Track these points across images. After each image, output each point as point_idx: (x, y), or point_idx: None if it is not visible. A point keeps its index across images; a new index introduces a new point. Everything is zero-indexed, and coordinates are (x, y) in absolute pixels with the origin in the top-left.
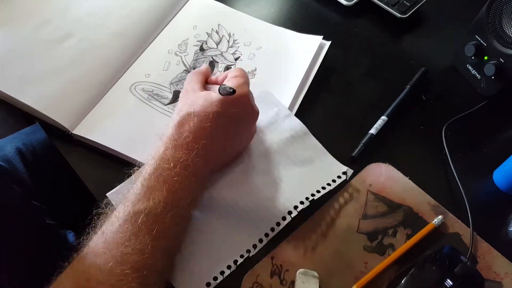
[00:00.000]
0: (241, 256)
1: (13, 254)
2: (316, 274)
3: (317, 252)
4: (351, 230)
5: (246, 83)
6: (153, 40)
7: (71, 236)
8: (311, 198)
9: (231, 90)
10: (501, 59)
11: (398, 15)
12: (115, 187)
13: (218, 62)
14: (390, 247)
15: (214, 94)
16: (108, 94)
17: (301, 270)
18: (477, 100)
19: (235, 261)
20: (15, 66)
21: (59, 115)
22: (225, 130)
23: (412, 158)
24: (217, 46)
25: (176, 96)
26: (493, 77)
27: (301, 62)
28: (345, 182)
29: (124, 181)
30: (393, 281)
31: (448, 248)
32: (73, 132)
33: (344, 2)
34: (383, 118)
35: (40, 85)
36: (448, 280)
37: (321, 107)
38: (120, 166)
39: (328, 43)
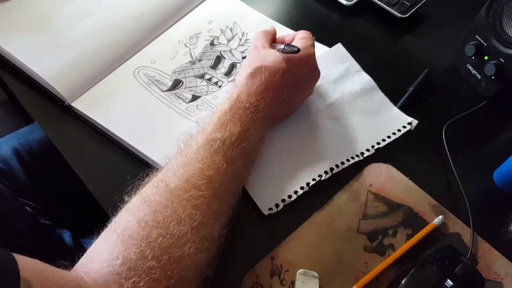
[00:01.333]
0: (313, 179)
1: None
2: (316, 274)
3: (317, 252)
4: (351, 230)
5: (313, 45)
6: (167, 29)
7: (67, 236)
8: (376, 146)
9: (295, 49)
10: (501, 59)
11: (398, 15)
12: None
13: (225, 58)
14: (390, 247)
15: (277, 53)
16: (112, 74)
17: (301, 270)
18: (477, 100)
19: (308, 183)
20: (33, 38)
21: (61, 86)
22: (291, 85)
23: (412, 158)
24: (228, 43)
25: (175, 84)
26: (493, 77)
27: None
28: (410, 131)
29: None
30: (393, 281)
31: (448, 248)
32: (71, 104)
33: (344, 2)
34: None
35: (51, 56)
36: (448, 280)
37: None
38: (120, 165)
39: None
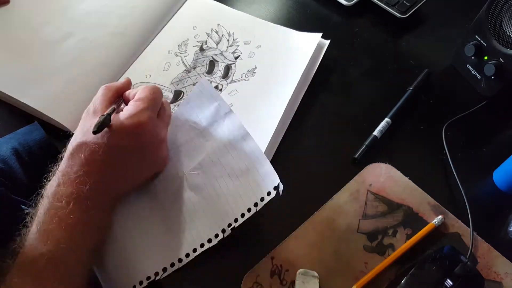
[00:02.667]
0: (156, 273)
1: None
2: (316, 274)
3: (317, 252)
4: (351, 230)
5: (147, 108)
6: (153, 40)
7: None
8: (233, 225)
9: (94, 130)
10: (501, 59)
11: (398, 15)
12: None
13: (218, 62)
14: (390, 247)
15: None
16: None
17: (301, 270)
18: (477, 100)
19: (156, 273)
20: (16, 67)
21: (60, 115)
22: (122, 161)
23: (412, 158)
24: (216, 45)
25: (177, 96)
26: (493, 77)
27: (300, 60)
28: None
29: None
30: (393, 281)
31: (448, 248)
32: (74, 132)
33: (344, 2)
34: (387, 120)
35: (40, 85)
36: (448, 280)
37: (321, 107)
38: None
39: (327, 42)
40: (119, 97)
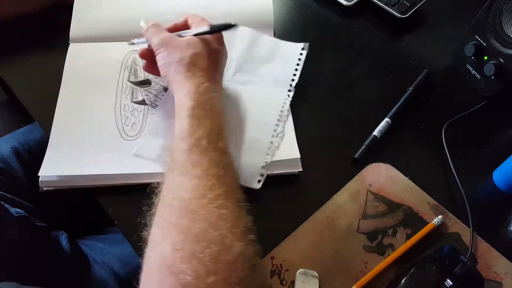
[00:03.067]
0: (271, 142)
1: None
2: (316, 274)
3: (317, 252)
4: (351, 230)
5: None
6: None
7: (63, 238)
8: (293, 83)
9: (233, 24)
10: (500, 59)
11: (398, 15)
12: (115, 186)
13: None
14: (390, 247)
15: (201, 38)
16: (115, 43)
17: (301, 270)
18: (477, 100)
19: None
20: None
21: (78, 27)
22: (218, 64)
23: (412, 158)
24: None
25: (143, 83)
26: (492, 77)
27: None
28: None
29: None
30: (393, 281)
31: (448, 248)
32: (70, 43)
33: (344, 2)
34: (387, 120)
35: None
36: (448, 280)
37: (321, 107)
38: None
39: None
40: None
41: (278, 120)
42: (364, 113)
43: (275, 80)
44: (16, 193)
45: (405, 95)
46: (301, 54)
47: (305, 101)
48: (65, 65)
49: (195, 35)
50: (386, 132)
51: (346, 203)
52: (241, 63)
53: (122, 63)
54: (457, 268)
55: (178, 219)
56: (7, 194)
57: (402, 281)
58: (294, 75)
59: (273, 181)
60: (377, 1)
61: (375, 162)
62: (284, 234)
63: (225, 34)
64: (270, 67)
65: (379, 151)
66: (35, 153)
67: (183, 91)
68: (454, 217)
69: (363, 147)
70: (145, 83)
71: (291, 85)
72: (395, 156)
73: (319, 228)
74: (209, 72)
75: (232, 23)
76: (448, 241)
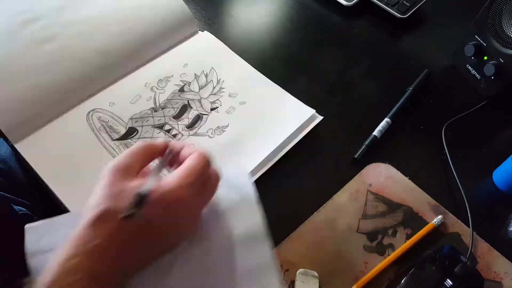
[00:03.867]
0: None
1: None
2: (316, 274)
3: (317, 252)
4: (351, 230)
5: (193, 184)
6: (136, 69)
7: None
8: None
9: (139, 199)
10: (500, 59)
11: (398, 15)
12: None
13: (191, 108)
14: (390, 247)
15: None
16: (66, 114)
17: (301, 270)
18: (477, 100)
19: None
20: None
21: (5, 123)
22: (151, 239)
23: (412, 158)
24: (199, 90)
25: (129, 133)
26: (492, 77)
27: (283, 129)
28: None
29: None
30: (393, 281)
31: (448, 248)
32: (15, 145)
33: (344, 2)
34: (387, 120)
35: (4, 82)
36: (448, 280)
37: (321, 107)
38: None
39: (320, 117)
40: (152, 159)
41: None
42: (364, 113)
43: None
44: (16, 195)
45: (405, 95)
46: None
47: (305, 101)
48: (30, 163)
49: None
50: (386, 132)
51: (346, 203)
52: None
53: (92, 129)
54: (457, 268)
55: None
56: (7, 195)
57: (402, 281)
58: None
59: (273, 181)
60: (377, 1)
61: (375, 162)
62: (284, 234)
63: None
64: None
65: (379, 151)
66: None
67: (55, 257)
68: (454, 217)
69: (363, 147)
70: (131, 132)
71: None
72: (395, 156)
73: (319, 228)
74: (114, 246)
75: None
76: (448, 241)
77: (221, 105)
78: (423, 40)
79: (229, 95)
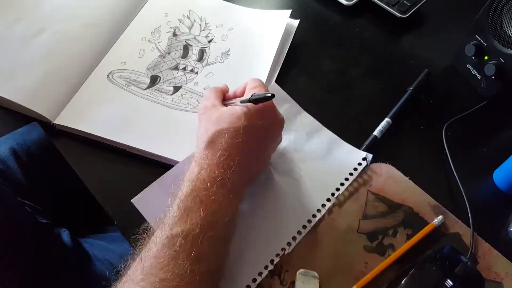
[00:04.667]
0: (277, 255)
1: (3, 253)
2: (316, 274)
3: (317, 252)
4: (351, 230)
5: (275, 109)
6: (126, 29)
7: (65, 234)
8: (336, 193)
9: (269, 95)
10: (501, 59)
11: (398, 15)
12: (115, 186)
13: (192, 46)
14: (390, 247)
15: (238, 108)
16: (86, 84)
17: (301, 270)
18: (477, 100)
19: (271, 261)
20: None
21: (39, 106)
22: (257, 142)
23: (412, 158)
24: (189, 30)
25: (154, 80)
26: (493, 77)
27: (272, 38)
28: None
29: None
30: (393, 281)
31: (448, 248)
32: (54, 122)
33: (344, 2)
34: (387, 120)
35: (16, 78)
36: (448, 280)
37: (321, 107)
38: (119, 164)
39: (297, 21)
40: (223, 96)
41: (303, 226)
42: (364, 113)
43: (319, 181)
44: (15, 194)
45: (406, 95)
46: (359, 164)
47: (305, 101)
48: (78, 128)
49: (249, 100)
50: (386, 132)
51: (346, 203)
52: (289, 151)
53: (120, 87)
54: (457, 269)
55: None
56: (32, 206)
57: (403, 281)
58: (342, 184)
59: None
60: (377, 1)
61: (375, 162)
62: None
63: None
64: (320, 165)
65: (379, 151)
66: (33, 153)
67: (189, 172)
68: (455, 217)
69: (363, 147)
70: (155, 79)
71: (333, 194)
72: (395, 156)
73: (319, 228)
74: (228, 153)
75: (269, 94)
76: (448, 241)
77: (214, 36)
78: (423, 40)
79: (216, 26)
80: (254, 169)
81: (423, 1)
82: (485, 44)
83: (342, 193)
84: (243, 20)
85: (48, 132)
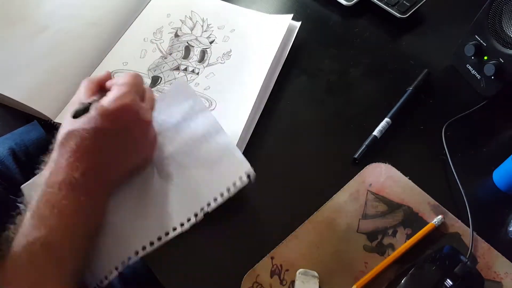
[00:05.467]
0: (128, 258)
1: None
2: (316, 274)
3: (317, 252)
4: (351, 230)
5: (130, 92)
6: (127, 29)
7: None
8: (206, 208)
9: (81, 108)
10: (501, 59)
11: (398, 15)
12: None
13: (193, 47)
14: (390, 247)
15: (93, 108)
16: None
17: (301, 270)
18: (477, 100)
19: (122, 262)
20: None
21: (40, 104)
22: (111, 146)
23: (412, 158)
24: (191, 31)
25: (155, 81)
26: (493, 77)
27: (273, 41)
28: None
29: None
30: (393, 281)
31: (448, 248)
32: (55, 120)
33: (344, 2)
34: (387, 120)
35: (18, 77)
36: (448, 280)
37: (321, 107)
38: None
39: (298, 23)
40: (101, 89)
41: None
42: (364, 113)
43: (193, 192)
44: (12, 195)
45: (405, 95)
46: (240, 178)
47: (305, 101)
48: None
49: (73, 115)
50: (386, 132)
51: (346, 203)
52: (178, 154)
53: None
54: (457, 268)
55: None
56: None
57: (402, 281)
58: (215, 199)
59: (273, 181)
60: (377, 1)
61: (375, 162)
62: (284, 234)
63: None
64: (202, 174)
65: (379, 151)
66: (32, 153)
67: (41, 174)
68: (454, 217)
69: (363, 147)
70: (156, 80)
71: (202, 208)
72: (395, 156)
73: (319, 228)
74: (79, 155)
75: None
76: (448, 241)
77: (216, 38)
78: (423, 40)
79: (218, 28)
80: (116, 173)
81: (423, 1)
82: (485, 44)
83: (342, 193)
84: (245, 22)
85: (49, 130)
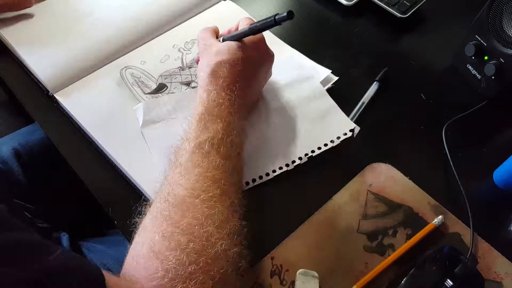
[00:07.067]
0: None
1: None
2: (316, 274)
3: (317, 252)
4: (351, 230)
5: (264, 41)
6: (165, 32)
7: (65, 239)
8: (310, 154)
9: (289, 15)
10: (501, 59)
11: (398, 15)
12: (115, 186)
13: None
14: (390, 247)
15: (234, 42)
16: (100, 70)
17: (301, 270)
18: (477, 100)
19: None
20: (34, 26)
21: (46, 76)
22: (252, 71)
23: (412, 158)
24: None
25: (159, 88)
26: (493, 77)
27: (303, 86)
28: (352, 137)
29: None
30: (393, 281)
31: (448, 248)
32: (54, 94)
33: (344, 2)
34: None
35: (43, 46)
36: (448, 280)
37: None
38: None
39: (335, 78)
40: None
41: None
42: (364, 113)
43: (302, 134)
44: (15, 196)
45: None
46: (344, 134)
47: None
48: (72, 114)
49: (236, 39)
50: (387, 131)
51: (346, 203)
52: (287, 104)
53: (126, 83)
54: (457, 268)
55: (170, 212)
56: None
57: (402, 281)
58: (319, 148)
59: (273, 181)
60: (377, 1)
61: (375, 162)
62: (284, 234)
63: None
64: (309, 121)
65: (379, 151)
66: (36, 154)
67: (199, 98)
68: (455, 217)
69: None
70: (161, 88)
71: (306, 154)
72: (395, 156)
73: (319, 228)
74: (229, 80)
75: (274, 19)
76: (448, 241)
77: None
78: (423, 40)
79: None
80: (251, 96)
81: (423, 1)
82: (485, 44)
83: (342, 193)
84: (281, 59)
85: (61, 115)
